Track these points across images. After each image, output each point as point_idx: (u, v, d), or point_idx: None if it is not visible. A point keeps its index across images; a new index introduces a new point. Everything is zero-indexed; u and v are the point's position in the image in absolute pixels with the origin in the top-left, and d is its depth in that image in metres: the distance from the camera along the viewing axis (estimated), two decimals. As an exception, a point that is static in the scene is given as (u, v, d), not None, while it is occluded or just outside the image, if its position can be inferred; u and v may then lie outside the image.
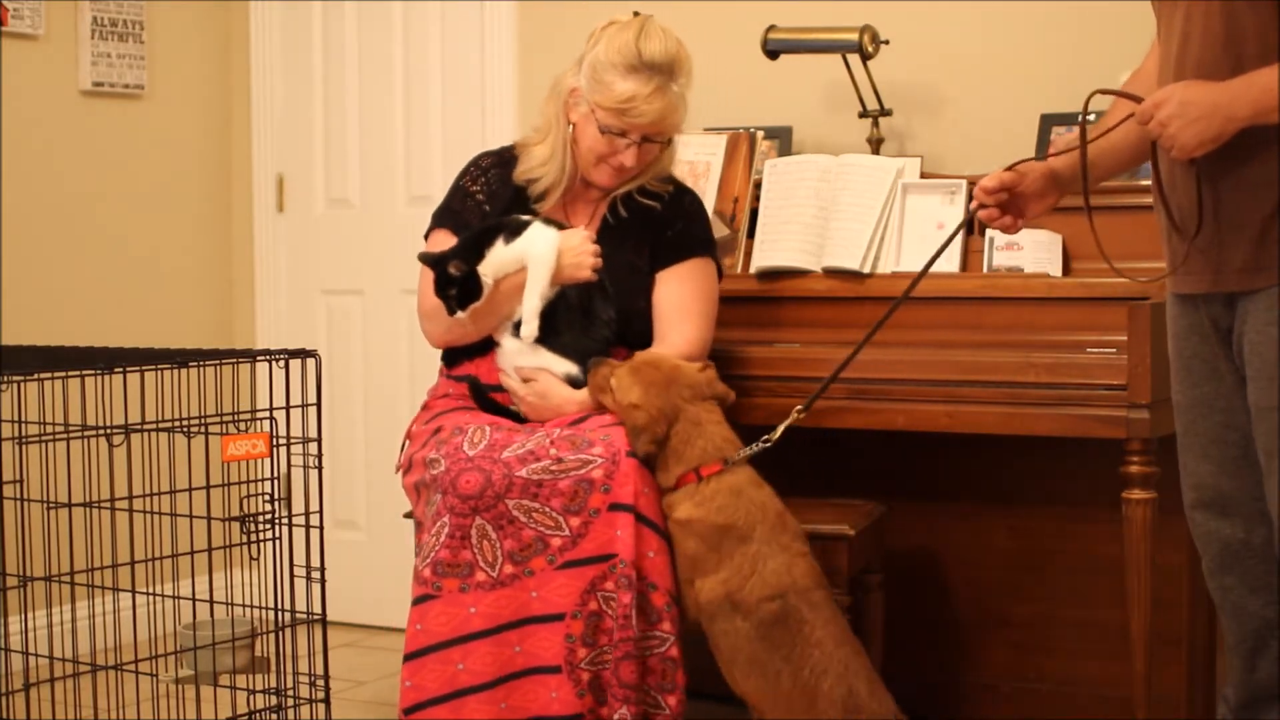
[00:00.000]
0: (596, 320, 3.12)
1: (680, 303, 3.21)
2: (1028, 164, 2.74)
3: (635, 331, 3.20)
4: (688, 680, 2.89)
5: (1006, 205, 2.74)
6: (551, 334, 3.09)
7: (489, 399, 3.14)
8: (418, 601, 2.87)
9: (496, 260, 3.07)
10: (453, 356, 3.28)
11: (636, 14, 3.17)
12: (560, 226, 3.15)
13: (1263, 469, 2.48)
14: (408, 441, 3.20)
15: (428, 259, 3.11)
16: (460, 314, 3.06)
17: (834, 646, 2.78)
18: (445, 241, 3.22)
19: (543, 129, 3.25)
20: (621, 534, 2.84)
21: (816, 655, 2.77)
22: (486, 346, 3.18)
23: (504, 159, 3.31)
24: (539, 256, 3.06)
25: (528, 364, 3.09)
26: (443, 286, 3.06)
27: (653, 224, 3.25)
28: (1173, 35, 2.52)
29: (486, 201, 3.26)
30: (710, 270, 3.28)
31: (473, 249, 3.08)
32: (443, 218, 3.29)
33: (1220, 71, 2.42)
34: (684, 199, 3.31)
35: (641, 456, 2.89)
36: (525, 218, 3.14)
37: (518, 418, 3.10)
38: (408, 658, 2.86)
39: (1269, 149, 2.39)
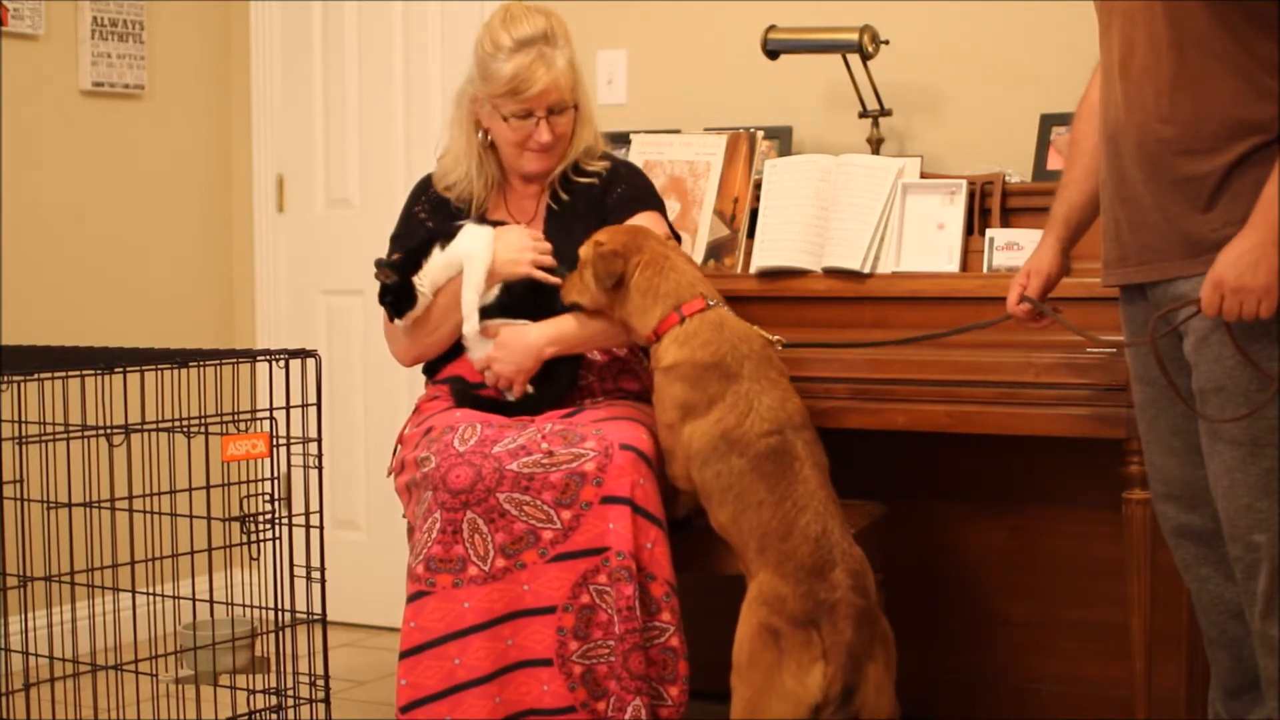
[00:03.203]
0: (551, 300, 3.14)
1: None
2: (1040, 264, 2.88)
3: None
4: (690, 670, 2.90)
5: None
6: (507, 312, 3.13)
7: (474, 396, 3.15)
8: (412, 599, 2.88)
9: (433, 269, 3.13)
10: (432, 365, 3.32)
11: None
12: (499, 224, 3.20)
13: (1204, 452, 2.54)
14: (399, 445, 3.21)
15: (377, 265, 3.16)
16: (399, 321, 3.14)
17: (817, 486, 2.81)
18: None
19: (450, 143, 3.31)
20: (616, 526, 2.85)
21: (800, 491, 2.79)
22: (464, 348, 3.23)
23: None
24: (471, 253, 3.11)
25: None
26: (380, 295, 3.15)
27: (593, 197, 3.29)
28: (1114, 41, 2.59)
29: (429, 219, 3.30)
30: (660, 222, 3.29)
31: (411, 261, 3.14)
32: (395, 244, 3.33)
33: (1164, 76, 2.48)
34: (620, 169, 3.34)
35: (598, 293, 3.00)
36: (460, 223, 3.19)
37: (505, 409, 3.11)
38: (403, 655, 2.87)
39: (1206, 142, 2.46)
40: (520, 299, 3.13)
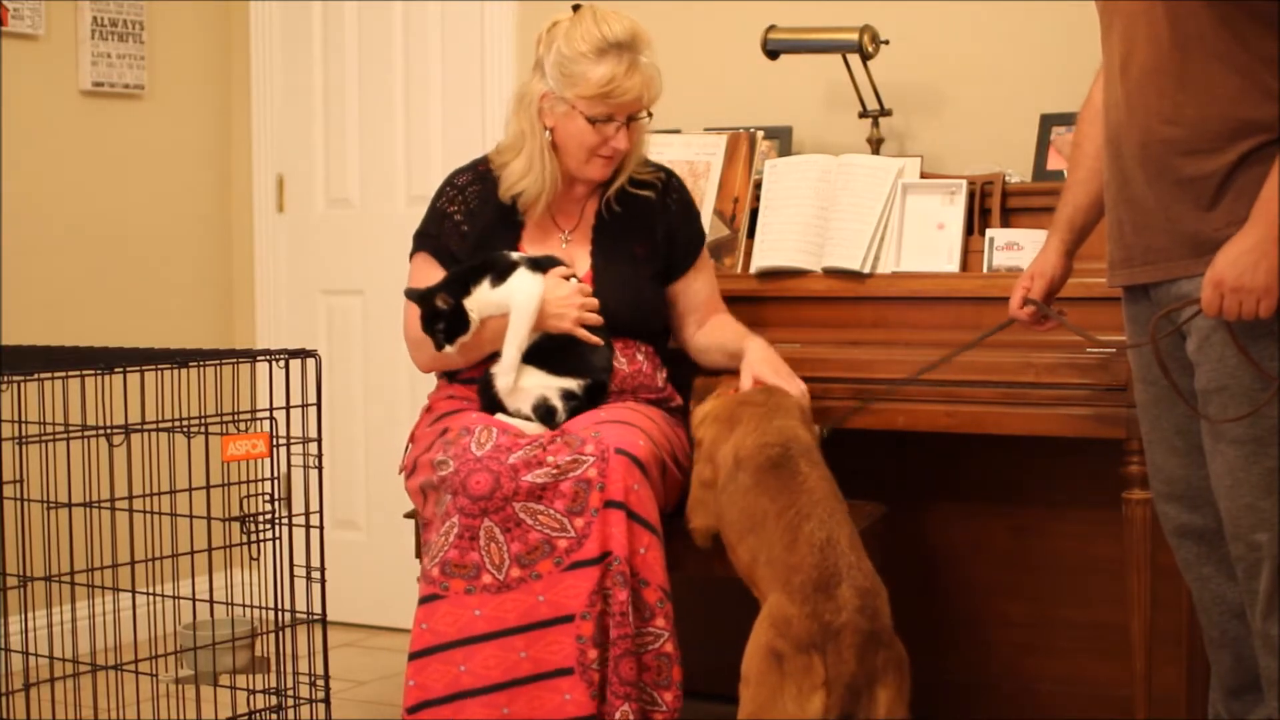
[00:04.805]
0: (585, 354, 3.12)
1: (711, 292, 3.36)
2: (1044, 266, 2.91)
3: (639, 322, 3.21)
4: (684, 676, 2.89)
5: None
6: (545, 358, 3.10)
7: (501, 404, 3.13)
8: (424, 601, 2.87)
9: (482, 300, 3.08)
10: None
11: (576, 8, 3.17)
12: (551, 262, 3.14)
13: (1206, 451, 2.54)
14: (410, 444, 3.20)
15: (413, 295, 3.12)
16: (449, 348, 3.08)
17: (822, 496, 2.77)
18: (426, 265, 3.24)
19: (514, 144, 3.22)
20: (614, 531, 2.84)
21: (803, 500, 2.75)
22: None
23: (480, 174, 3.29)
24: (520, 307, 3.06)
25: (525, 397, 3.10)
26: (430, 321, 3.07)
27: (649, 215, 3.27)
28: (1115, 42, 2.59)
29: (465, 221, 3.25)
30: (707, 253, 3.39)
31: (460, 285, 3.09)
32: (421, 241, 3.29)
33: (1166, 77, 2.48)
34: (671, 183, 3.33)
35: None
36: (515, 256, 3.13)
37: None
38: (412, 656, 2.86)
39: (1209, 142, 2.46)
40: (556, 348, 3.10)
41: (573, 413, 3.07)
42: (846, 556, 2.66)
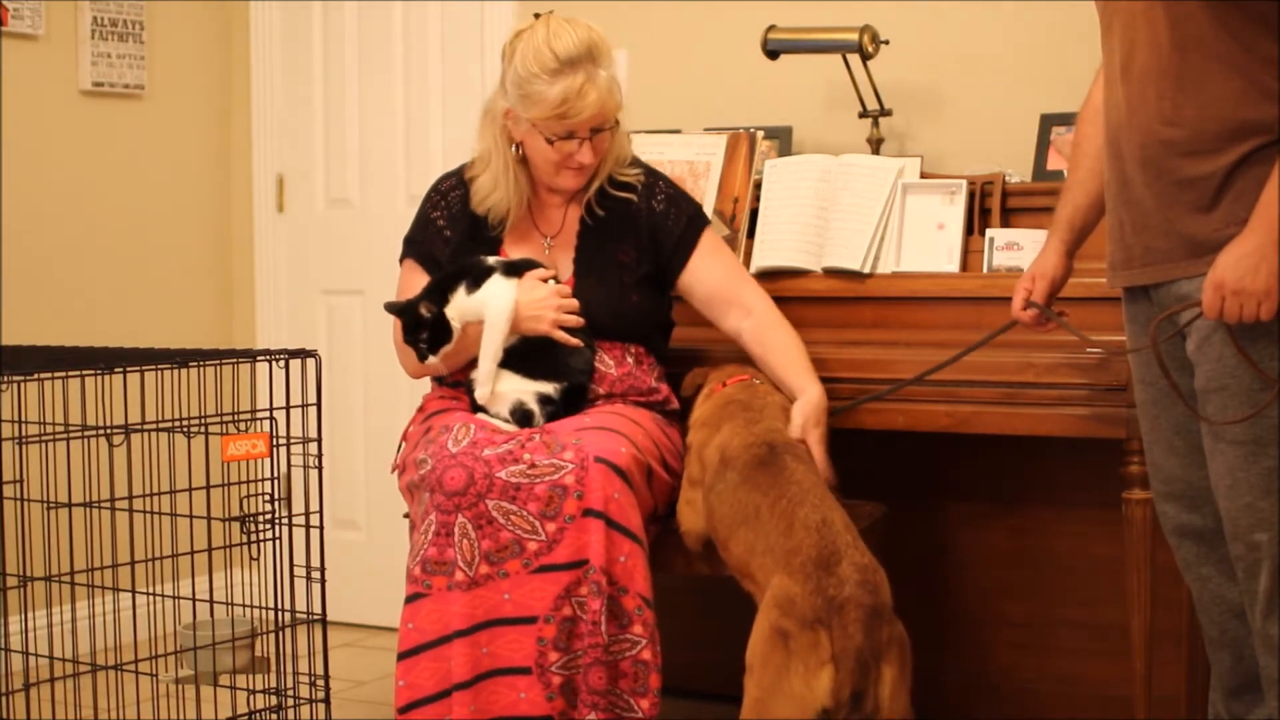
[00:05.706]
0: (563, 355, 3.12)
1: (725, 274, 3.27)
2: (1044, 267, 2.91)
3: (622, 327, 3.20)
4: (662, 682, 2.88)
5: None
6: (523, 361, 3.10)
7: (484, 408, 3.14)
8: (410, 600, 2.87)
9: (460, 306, 3.08)
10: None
11: (536, 15, 3.14)
12: (528, 265, 3.14)
13: (1206, 451, 2.54)
14: (403, 444, 3.20)
15: (393, 309, 3.12)
16: (432, 359, 3.09)
17: (811, 485, 2.80)
18: (412, 272, 3.26)
19: (483, 158, 3.22)
20: (592, 540, 2.84)
21: (793, 490, 2.78)
22: None
23: (464, 180, 3.28)
24: (494, 314, 3.06)
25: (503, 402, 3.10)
26: (413, 332, 3.07)
27: (634, 218, 3.24)
28: (1115, 43, 2.59)
29: (448, 227, 3.25)
30: (715, 233, 3.33)
31: (438, 293, 3.09)
32: (407, 247, 3.30)
33: (1165, 78, 2.48)
34: (656, 185, 3.30)
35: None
36: (491, 260, 3.13)
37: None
38: (401, 656, 2.86)
39: (1209, 143, 2.46)
40: (534, 351, 3.10)
41: (550, 417, 3.07)
42: (843, 536, 2.70)
